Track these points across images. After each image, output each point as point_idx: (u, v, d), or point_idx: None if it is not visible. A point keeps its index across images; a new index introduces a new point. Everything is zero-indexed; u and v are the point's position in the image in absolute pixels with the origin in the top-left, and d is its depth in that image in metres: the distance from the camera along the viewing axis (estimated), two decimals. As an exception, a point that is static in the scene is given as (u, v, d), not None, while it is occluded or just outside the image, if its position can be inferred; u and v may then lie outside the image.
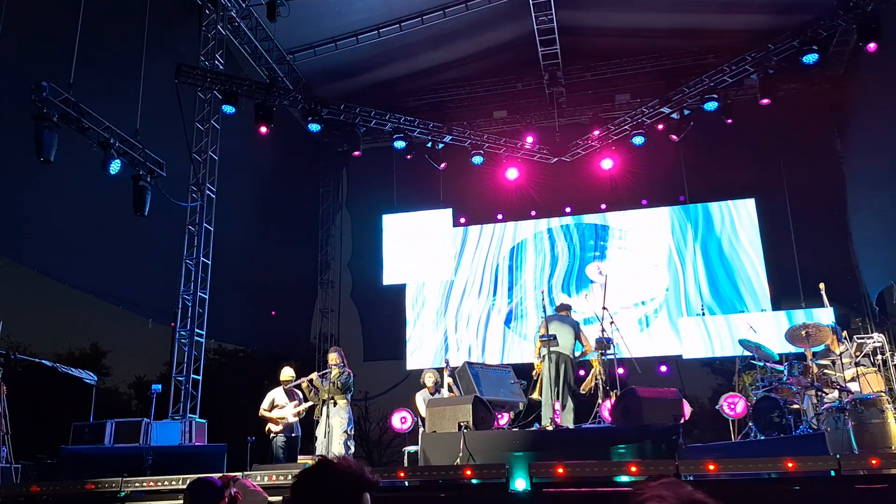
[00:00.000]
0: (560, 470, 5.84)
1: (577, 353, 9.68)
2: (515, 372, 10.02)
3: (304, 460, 9.69)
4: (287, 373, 10.32)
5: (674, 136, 13.82)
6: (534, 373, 9.58)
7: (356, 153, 15.17)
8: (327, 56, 15.29)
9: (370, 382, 18.69)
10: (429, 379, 10.44)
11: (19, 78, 9.30)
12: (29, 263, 11.04)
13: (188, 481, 4.17)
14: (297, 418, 10.22)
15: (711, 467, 5.68)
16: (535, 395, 9.48)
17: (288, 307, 17.16)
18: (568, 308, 10.33)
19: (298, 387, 10.12)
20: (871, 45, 11.48)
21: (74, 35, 9.65)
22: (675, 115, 13.65)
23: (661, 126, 13.94)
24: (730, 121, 13.47)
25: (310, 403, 10.01)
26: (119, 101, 10.63)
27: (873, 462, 5.57)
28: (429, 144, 14.52)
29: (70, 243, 11.34)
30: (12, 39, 9.23)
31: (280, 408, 10.11)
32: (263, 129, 12.60)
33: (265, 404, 10.14)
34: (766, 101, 13.02)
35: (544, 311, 9.97)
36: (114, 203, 10.86)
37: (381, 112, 13.96)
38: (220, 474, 4.29)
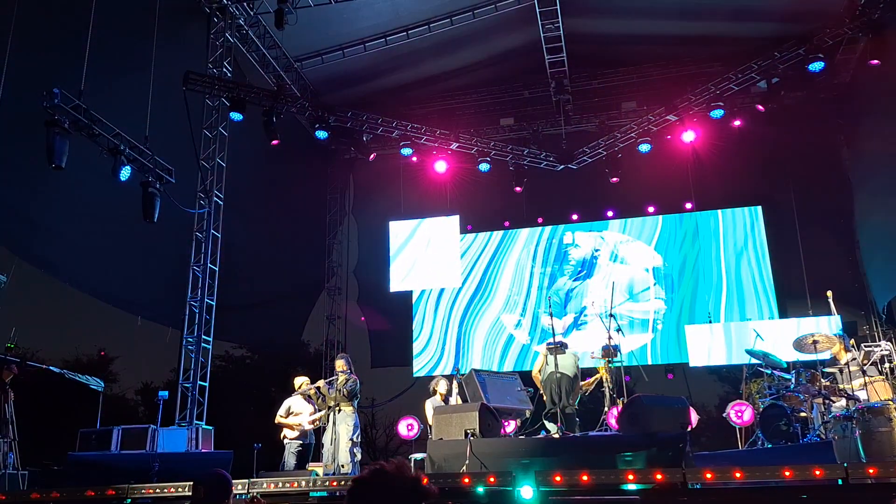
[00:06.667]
0: (566, 478, 5.84)
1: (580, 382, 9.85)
2: (522, 380, 10.00)
3: (313, 468, 9.70)
4: (300, 380, 10.35)
5: (692, 143, 13.80)
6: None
7: (371, 156, 15.35)
8: (335, 63, 15.34)
9: (377, 389, 18.73)
10: (441, 386, 10.30)
11: (31, 85, 9.35)
12: (39, 267, 11.10)
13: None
14: (312, 426, 10.23)
15: (718, 476, 5.67)
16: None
17: (294, 314, 17.18)
18: (565, 347, 10.29)
19: (308, 394, 10.13)
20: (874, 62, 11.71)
21: (85, 42, 9.70)
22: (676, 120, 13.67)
23: (669, 136, 13.93)
24: (735, 126, 13.46)
25: (323, 412, 10.01)
26: (128, 108, 10.66)
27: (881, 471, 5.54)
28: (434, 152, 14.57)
29: (78, 248, 11.39)
30: (24, 47, 9.28)
31: (297, 415, 10.12)
32: (274, 142, 12.75)
33: (282, 411, 10.14)
34: (761, 108, 13.06)
35: (552, 331, 10.03)
36: (123, 209, 10.91)
37: (388, 119, 14.00)
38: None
